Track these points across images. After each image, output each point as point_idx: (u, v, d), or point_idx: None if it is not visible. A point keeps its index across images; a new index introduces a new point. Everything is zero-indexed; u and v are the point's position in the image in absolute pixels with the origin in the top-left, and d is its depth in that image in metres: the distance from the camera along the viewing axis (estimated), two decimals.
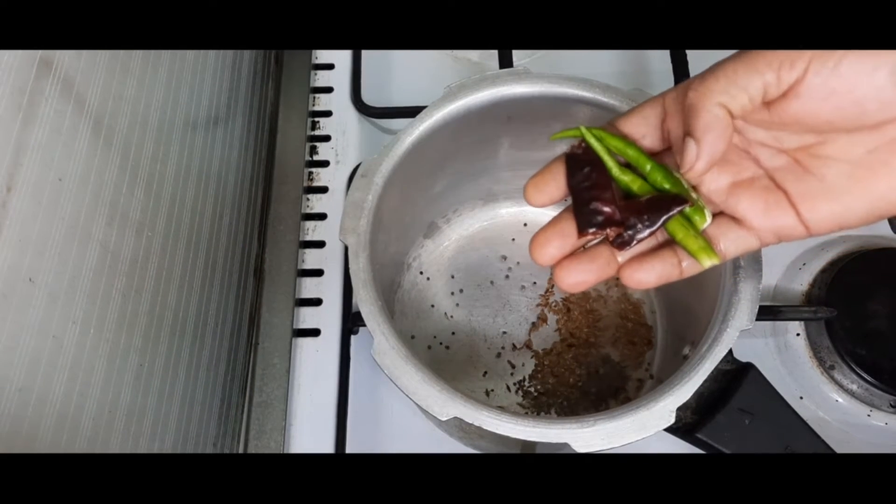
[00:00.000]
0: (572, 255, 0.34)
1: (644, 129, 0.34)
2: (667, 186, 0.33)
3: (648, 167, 0.33)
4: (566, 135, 0.36)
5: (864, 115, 0.29)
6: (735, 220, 0.33)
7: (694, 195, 0.33)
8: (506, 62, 0.54)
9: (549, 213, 0.58)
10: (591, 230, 0.33)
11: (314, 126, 0.63)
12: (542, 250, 0.34)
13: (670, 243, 0.34)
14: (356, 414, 0.52)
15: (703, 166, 0.31)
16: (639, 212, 0.33)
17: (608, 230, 0.33)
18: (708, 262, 0.33)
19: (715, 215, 0.33)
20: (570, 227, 0.34)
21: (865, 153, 0.30)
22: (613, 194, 0.33)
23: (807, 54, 0.28)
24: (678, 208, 0.32)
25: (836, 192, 0.31)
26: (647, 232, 0.33)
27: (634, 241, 0.33)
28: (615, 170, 0.34)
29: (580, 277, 0.34)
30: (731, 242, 0.33)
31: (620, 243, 0.33)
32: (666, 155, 0.34)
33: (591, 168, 0.34)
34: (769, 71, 0.29)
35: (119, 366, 0.37)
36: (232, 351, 0.53)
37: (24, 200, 0.30)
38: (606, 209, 0.33)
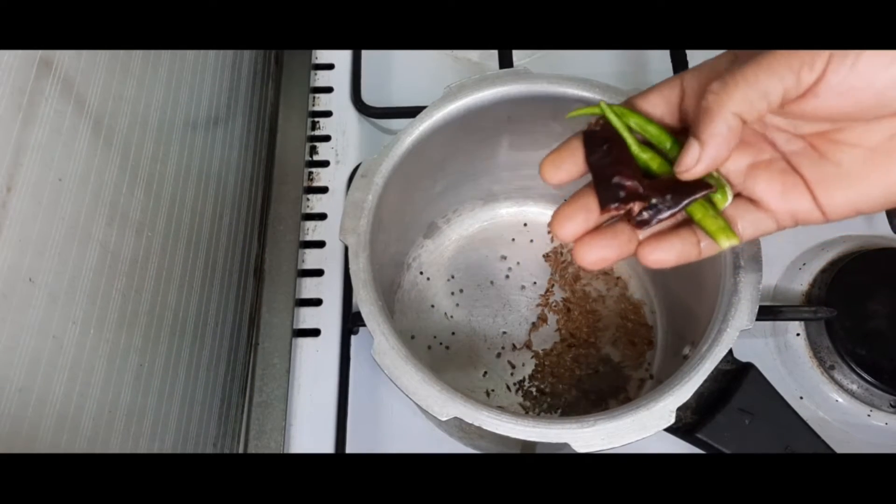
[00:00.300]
0: (593, 231, 0.34)
1: (662, 109, 0.34)
2: None
3: (669, 145, 0.33)
4: (586, 112, 0.35)
5: (882, 106, 0.29)
6: (752, 202, 0.33)
7: (715, 174, 0.33)
8: (506, 62, 0.54)
9: (548, 213, 0.58)
10: (615, 205, 0.32)
11: (314, 126, 0.63)
12: (565, 225, 0.33)
13: (688, 223, 0.33)
14: (356, 414, 0.52)
15: (700, 171, 0.31)
16: (661, 192, 0.32)
17: (632, 204, 0.32)
18: (727, 242, 0.32)
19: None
20: (593, 202, 0.33)
21: (883, 139, 0.30)
22: (635, 169, 0.33)
23: (825, 54, 0.28)
24: (702, 193, 0.32)
25: (851, 177, 0.31)
26: (668, 213, 0.32)
27: (655, 221, 0.32)
28: (634, 147, 0.33)
29: (602, 254, 0.33)
30: (749, 224, 0.33)
31: (640, 222, 0.32)
32: (682, 135, 0.34)
33: (611, 145, 0.33)
34: (790, 74, 0.28)
35: (119, 366, 0.37)
36: (232, 351, 0.53)
37: (24, 200, 0.30)
38: (629, 183, 0.32)
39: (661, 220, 0.32)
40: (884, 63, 0.28)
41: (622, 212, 0.33)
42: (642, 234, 0.34)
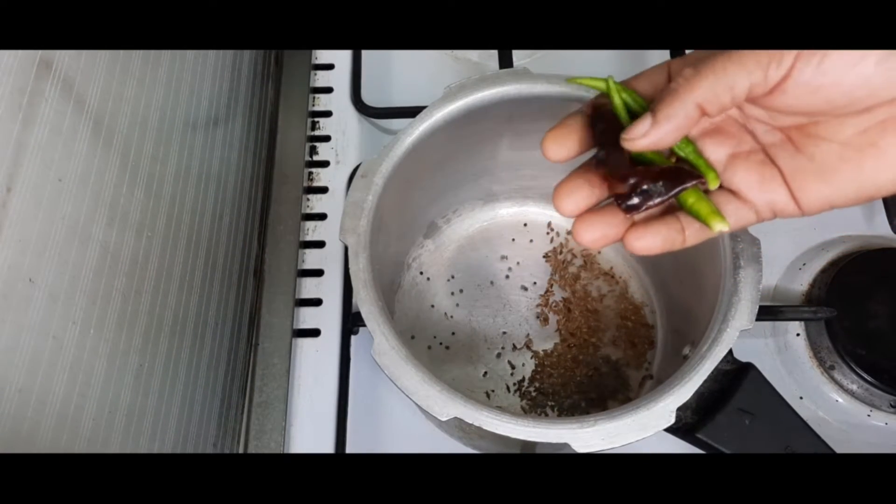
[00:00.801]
0: (593, 210, 0.34)
1: (650, 92, 0.34)
2: (679, 147, 0.33)
3: None
4: (589, 83, 0.35)
5: (854, 103, 0.29)
6: (732, 192, 0.33)
7: (703, 161, 0.33)
8: (506, 62, 0.54)
9: (548, 213, 0.58)
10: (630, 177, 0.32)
11: (314, 126, 0.63)
12: (567, 199, 0.33)
13: (671, 211, 0.34)
14: (356, 414, 0.52)
15: (642, 145, 0.31)
16: (653, 178, 0.32)
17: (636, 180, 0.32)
18: (719, 226, 0.32)
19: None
20: (595, 177, 0.33)
21: (855, 134, 0.30)
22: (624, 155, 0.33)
23: (792, 52, 0.28)
24: (692, 182, 0.32)
25: (824, 171, 0.31)
26: (658, 199, 0.32)
27: (644, 207, 0.32)
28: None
29: (603, 232, 0.33)
30: (731, 215, 0.33)
31: (630, 206, 0.32)
32: None
33: (609, 124, 0.33)
34: (758, 69, 0.29)
35: (119, 366, 0.37)
36: (232, 351, 0.53)
37: (24, 200, 0.30)
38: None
39: (650, 207, 0.32)
40: (850, 62, 0.28)
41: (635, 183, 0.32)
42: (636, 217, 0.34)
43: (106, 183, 0.36)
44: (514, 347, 0.54)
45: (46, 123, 0.31)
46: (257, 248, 0.58)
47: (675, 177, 0.32)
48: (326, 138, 0.62)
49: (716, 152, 0.33)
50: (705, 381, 0.39)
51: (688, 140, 0.33)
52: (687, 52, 0.56)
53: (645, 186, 0.32)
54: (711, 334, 0.40)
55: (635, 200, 0.32)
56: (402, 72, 0.65)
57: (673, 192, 0.32)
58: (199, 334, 0.47)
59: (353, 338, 0.55)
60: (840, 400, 0.53)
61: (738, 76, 0.29)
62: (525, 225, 0.58)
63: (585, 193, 0.33)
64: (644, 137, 0.31)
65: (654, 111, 0.31)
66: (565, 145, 0.34)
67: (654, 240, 0.33)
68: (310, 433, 0.52)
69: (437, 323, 0.55)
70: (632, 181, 0.32)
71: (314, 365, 0.54)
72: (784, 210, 0.32)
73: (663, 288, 0.55)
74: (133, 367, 0.38)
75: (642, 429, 0.38)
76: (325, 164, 0.61)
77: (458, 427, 0.46)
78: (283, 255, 0.56)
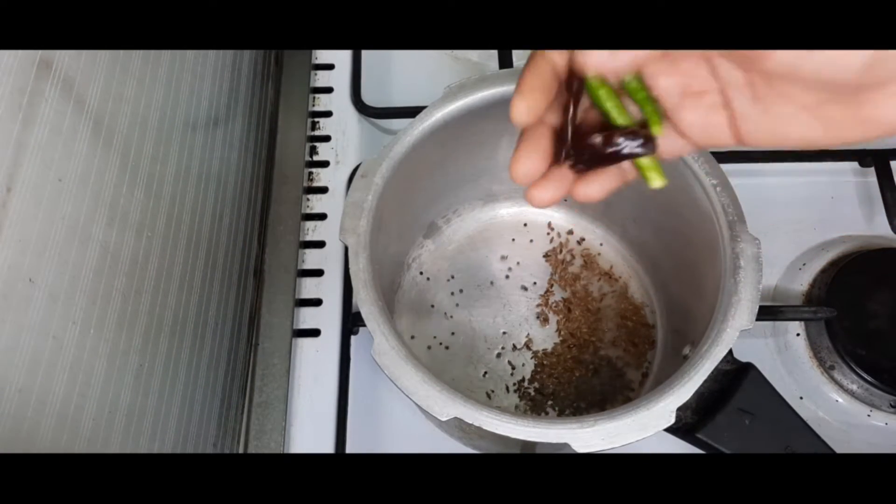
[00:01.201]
0: (543, 175, 0.34)
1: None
2: (633, 90, 0.33)
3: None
4: None
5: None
6: (672, 124, 0.33)
7: (656, 107, 0.33)
8: (506, 62, 0.54)
9: (548, 213, 0.58)
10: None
11: (314, 126, 0.63)
12: (522, 167, 0.34)
13: None
14: (356, 414, 0.52)
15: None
16: (602, 141, 0.32)
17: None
18: (657, 182, 0.33)
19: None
20: (547, 143, 0.33)
21: (814, 102, 0.30)
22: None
23: None
24: (642, 151, 0.32)
25: (776, 125, 0.31)
26: (609, 163, 0.33)
27: (596, 169, 0.33)
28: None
29: (554, 193, 0.34)
30: (667, 146, 0.33)
31: (582, 170, 0.33)
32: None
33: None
34: None
35: (119, 366, 0.37)
36: (232, 351, 0.53)
37: (24, 200, 0.30)
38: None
39: (595, 169, 0.33)
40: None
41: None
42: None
43: (106, 183, 0.36)
44: (514, 347, 0.54)
45: (46, 123, 0.31)
46: (257, 248, 0.58)
47: (624, 141, 0.32)
48: (326, 138, 0.62)
49: (668, 90, 0.33)
50: (705, 381, 0.39)
51: (642, 85, 0.33)
52: None
53: (599, 150, 0.32)
54: (711, 334, 0.40)
55: (587, 164, 0.33)
56: (402, 72, 0.65)
57: (620, 158, 0.32)
58: (199, 334, 0.47)
59: (353, 338, 0.55)
60: (840, 400, 0.53)
61: None
62: (525, 225, 0.58)
63: (538, 163, 0.34)
64: None
65: None
66: (534, 106, 0.33)
67: (599, 187, 0.34)
68: (310, 433, 0.52)
69: (437, 323, 0.55)
70: (589, 143, 0.32)
71: (314, 365, 0.54)
72: (724, 145, 0.33)
73: (663, 288, 0.55)
74: (133, 367, 0.38)
75: (642, 429, 0.38)
76: (325, 164, 0.61)
77: (458, 427, 0.46)
78: (283, 255, 0.56)
